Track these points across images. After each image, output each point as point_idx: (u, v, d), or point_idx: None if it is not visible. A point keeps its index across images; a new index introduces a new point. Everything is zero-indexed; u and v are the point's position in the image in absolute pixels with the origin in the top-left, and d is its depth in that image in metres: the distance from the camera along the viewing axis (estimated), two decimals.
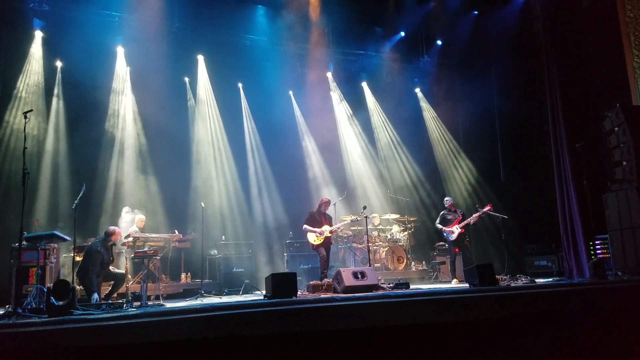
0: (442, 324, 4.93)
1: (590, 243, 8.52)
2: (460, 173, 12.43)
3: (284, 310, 4.81)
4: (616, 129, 8.20)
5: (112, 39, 9.81)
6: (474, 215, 9.03)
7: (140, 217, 9.08)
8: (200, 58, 10.86)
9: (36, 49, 9.27)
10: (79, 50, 9.16)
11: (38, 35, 9.25)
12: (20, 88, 9.08)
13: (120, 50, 9.98)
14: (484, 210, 8.97)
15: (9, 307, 5.73)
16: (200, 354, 4.25)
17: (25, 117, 5.78)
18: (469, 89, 11.80)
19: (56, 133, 9.39)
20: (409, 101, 12.72)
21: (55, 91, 9.50)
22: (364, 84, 12.61)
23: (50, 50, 9.40)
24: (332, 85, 12.31)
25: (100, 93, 9.70)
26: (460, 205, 11.53)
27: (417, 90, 12.93)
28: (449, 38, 12.37)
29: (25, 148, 5.68)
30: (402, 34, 12.15)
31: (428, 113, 12.89)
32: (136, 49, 9.92)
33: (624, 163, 8.04)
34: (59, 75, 9.55)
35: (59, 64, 9.54)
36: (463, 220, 9.06)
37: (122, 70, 10.06)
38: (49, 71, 9.41)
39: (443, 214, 9.43)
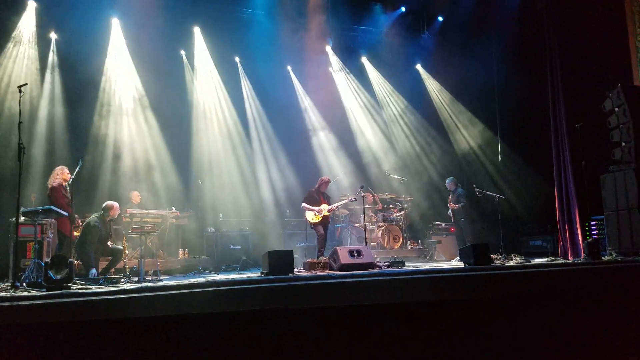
0: (436, 302, 5.00)
1: (586, 224, 8.58)
2: (460, 148, 12.39)
3: (280, 287, 4.86)
4: (616, 109, 8.15)
5: (107, 11, 9.60)
6: (450, 204, 9.93)
7: (134, 192, 9.06)
8: (197, 30, 10.65)
9: (29, 19, 9.06)
10: (73, 22, 8.99)
11: (31, 5, 9.04)
12: (13, 60, 8.89)
13: (115, 22, 9.77)
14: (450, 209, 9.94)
15: (7, 281, 5.76)
16: (197, 329, 4.31)
17: (20, 91, 5.68)
18: (469, 67, 11.64)
19: (51, 106, 9.25)
20: (409, 77, 12.57)
21: (50, 63, 9.32)
22: (364, 59, 12.41)
23: (44, 22, 9.19)
24: (332, 59, 12.13)
25: (95, 65, 9.55)
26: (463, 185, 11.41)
27: (418, 66, 12.77)
28: (450, 14, 12.14)
29: (20, 122, 5.62)
30: (403, 9, 11.92)
31: (429, 88, 12.73)
32: (132, 21, 9.72)
33: (623, 144, 8.02)
34: (53, 47, 9.35)
35: (53, 35, 9.34)
36: (456, 202, 9.80)
37: (118, 42, 9.85)
38: (43, 43, 9.22)
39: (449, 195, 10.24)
